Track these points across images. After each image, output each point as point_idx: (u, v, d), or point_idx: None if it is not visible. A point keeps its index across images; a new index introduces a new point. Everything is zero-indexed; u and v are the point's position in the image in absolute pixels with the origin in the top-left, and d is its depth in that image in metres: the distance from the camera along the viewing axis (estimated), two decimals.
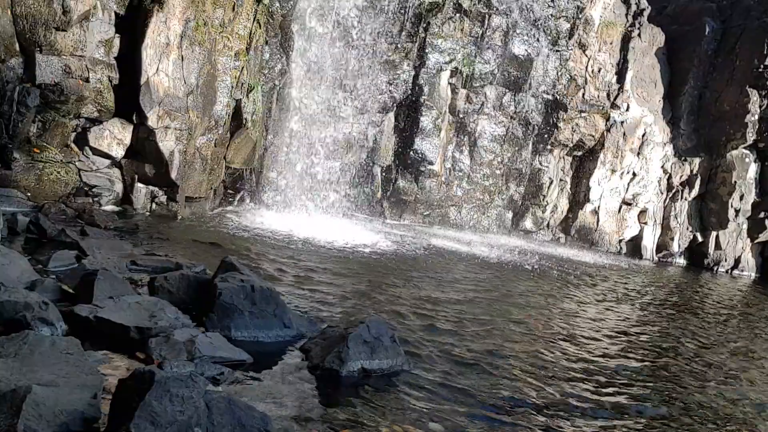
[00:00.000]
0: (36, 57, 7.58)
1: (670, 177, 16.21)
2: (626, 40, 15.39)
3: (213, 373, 3.69)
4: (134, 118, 8.43)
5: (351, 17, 11.58)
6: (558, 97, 14.33)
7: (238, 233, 8.60)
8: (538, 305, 7.71)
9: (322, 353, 4.24)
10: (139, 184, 8.57)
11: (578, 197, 15.61)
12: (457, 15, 12.77)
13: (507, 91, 13.76)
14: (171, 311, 4.31)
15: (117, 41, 8.37)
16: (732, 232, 16.26)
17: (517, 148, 14.18)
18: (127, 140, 8.43)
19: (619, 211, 15.89)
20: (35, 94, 7.49)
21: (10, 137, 7.40)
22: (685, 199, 16.39)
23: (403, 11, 12.06)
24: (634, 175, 15.80)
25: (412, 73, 12.58)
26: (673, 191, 16.30)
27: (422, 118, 12.81)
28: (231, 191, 10.67)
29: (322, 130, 11.70)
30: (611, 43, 15.16)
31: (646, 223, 16.20)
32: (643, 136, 15.66)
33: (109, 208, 8.16)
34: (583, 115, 14.80)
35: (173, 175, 8.67)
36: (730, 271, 16.36)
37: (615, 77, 15.23)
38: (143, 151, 8.56)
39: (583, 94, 14.73)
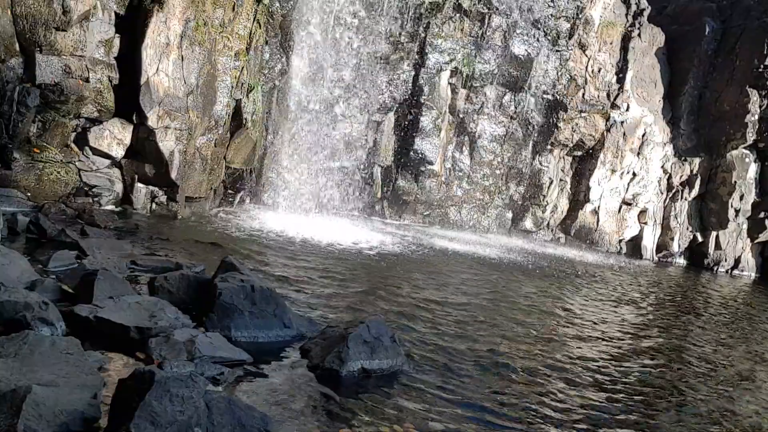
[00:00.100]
0: (36, 57, 7.58)
1: (670, 177, 16.21)
2: (626, 40, 15.39)
3: (213, 373, 3.69)
4: (134, 118, 8.43)
5: (351, 17, 11.58)
6: (558, 97, 14.33)
7: (238, 233, 8.60)
8: (539, 305, 7.71)
9: (322, 353, 4.24)
10: (139, 184, 8.57)
11: (578, 197, 15.60)
12: (457, 15, 12.77)
13: (507, 91, 13.76)
14: (171, 311, 4.31)
15: (117, 41, 8.37)
16: (732, 232, 16.26)
17: (517, 148, 14.18)
18: (127, 140, 8.43)
19: (619, 211, 15.89)
20: (35, 94, 7.49)
21: (10, 137, 7.40)
22: (685, 199, 16.39)
23: (403, 11, 12.06)
24: (634, 175, 15.79)
25: (412, 73, 12.58)
26: (673, 191, 16.30)
27: (422, 118, 12.80)
28: (231, 191, 10.66)
29: (322, 130, 11.70)
30: (611, 43, 15.15)
31: (646, 223, 16.19)
32: (643, 136, 15.66)
33: (109, 208, 8.16)
34: (583, 115, 14.79)
35: (173, 175, 8.67)
36: (730, 271, 16.36)
37: (615, 77, 15.23)
38: (143, 151, 8.56)
39: (583, 94, 14.72)
